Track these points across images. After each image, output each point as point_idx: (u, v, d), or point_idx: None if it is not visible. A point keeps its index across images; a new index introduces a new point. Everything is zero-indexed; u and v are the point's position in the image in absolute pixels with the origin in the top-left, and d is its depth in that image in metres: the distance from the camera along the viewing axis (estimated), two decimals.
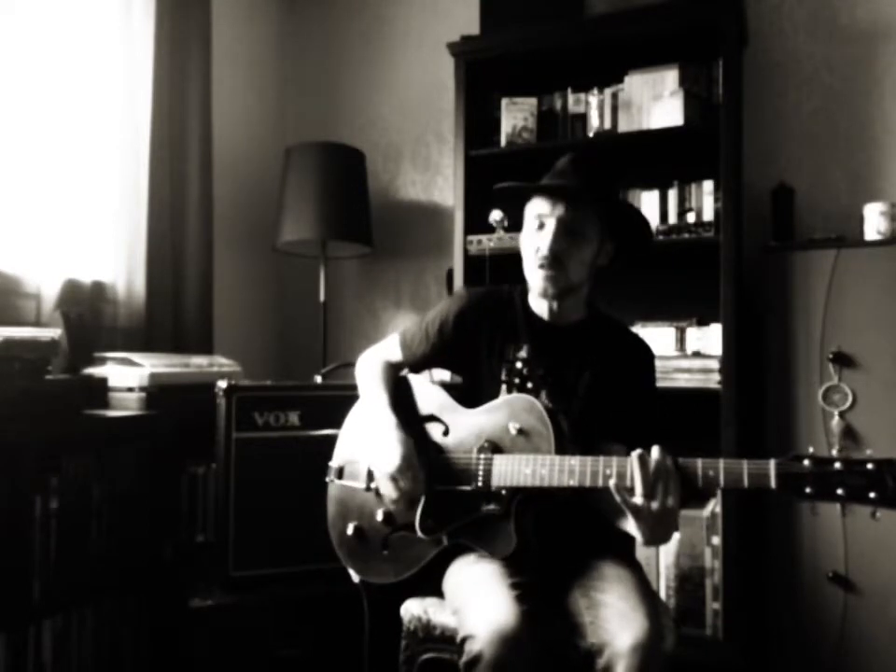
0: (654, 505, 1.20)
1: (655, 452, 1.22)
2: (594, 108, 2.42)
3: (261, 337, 3.02)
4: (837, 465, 1.10)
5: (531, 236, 1.48)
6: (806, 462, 1.12)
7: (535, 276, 1.48)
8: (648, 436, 1.46)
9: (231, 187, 2.78)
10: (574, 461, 1.30)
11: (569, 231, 1.44)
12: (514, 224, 1.94)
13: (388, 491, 1.46)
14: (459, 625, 1.29)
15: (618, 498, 1.22)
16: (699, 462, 1.21)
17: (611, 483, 1.23)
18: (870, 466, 1.08)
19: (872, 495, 1.07)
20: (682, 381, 2.15)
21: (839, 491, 1.09)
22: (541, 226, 1.46)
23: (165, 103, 2.35)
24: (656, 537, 1.27)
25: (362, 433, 1.59)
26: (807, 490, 1.11)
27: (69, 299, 2.04)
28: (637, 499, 1.21)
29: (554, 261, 1.44)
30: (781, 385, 2.05)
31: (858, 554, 1.94)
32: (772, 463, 1.14)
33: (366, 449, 1.54)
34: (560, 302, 1.50)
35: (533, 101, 2.48)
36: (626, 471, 1.25)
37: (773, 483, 1.14)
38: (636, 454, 1.22)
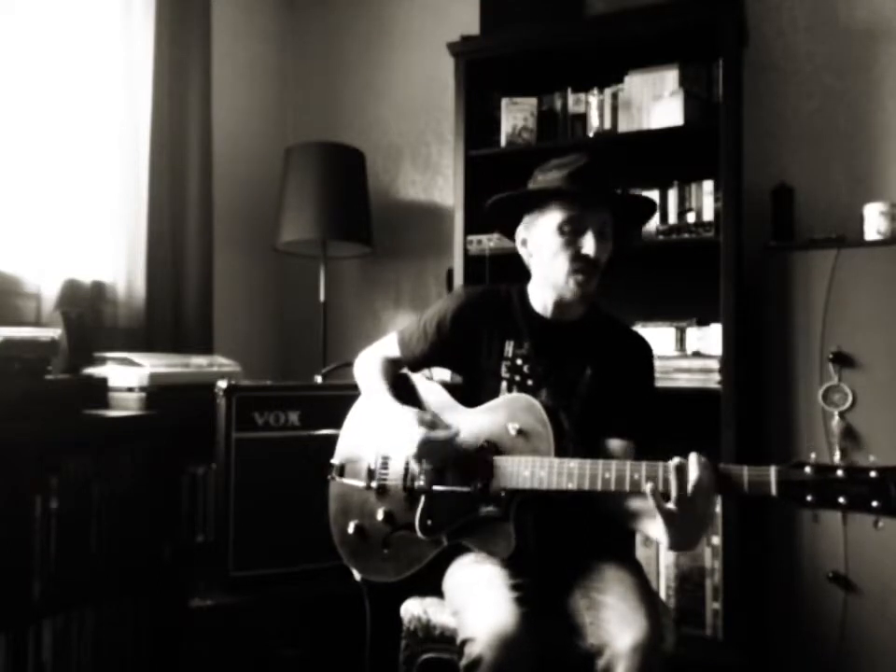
0: (689, 513, 1.16)
1: (693, 459, 1.17)
2: (594, 108, 2.42)
3: (261, 337, 3.02)
4: (839, 472, 1.07)
5: (563, 241, 1.44)
6: (808, 469, 1.09)
7: (569, 281, 1.44)
8: (649, 433, 1.47)
9: (231, 187, 2.78)
10: (573, 464, 1.30)
11: (604, 235, 1.44)
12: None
13: (422, 466, 1.44)
14: (459, 627, 1.29)
15: (652, 502, 1.18)
16: None
17: (648, 486, 1.19)
18: (873, 474, 1.05)
19: (874, 504, 1.05)
20: (682, 381, 2.14)
21: (841, 499, 1.07)
22: (575, 231, 1.43)
23: (165, 103, 2.35)
24: (684, 542, 1.22)
25: (366, 431, 1.60)
26: (808, 498, 1.09)
27: (69, 299, 2.04)
28: (672, 506, 1.17)
29: (595, 267, 1.44)
30: (781, 384, 2.05)
31: (858, 554, 1.94)
32: (772, 470, 1.12)
33: (383, 438, 1.54)
34: (572, 302, 1.49)
35: (533, 101, 2.48)
36: (625, 475, 1.24)
37: (773, 491, 1.11)
38: (673, 463, 1.18)
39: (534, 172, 1.54)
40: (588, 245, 1.42)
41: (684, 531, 1.20)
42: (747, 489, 1.14)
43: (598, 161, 1.48)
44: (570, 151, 1.53)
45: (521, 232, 1.55)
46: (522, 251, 1.56)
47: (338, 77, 3.10)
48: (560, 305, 1.51)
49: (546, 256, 1.48)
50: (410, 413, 1.47)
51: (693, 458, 1.17)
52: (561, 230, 1.44)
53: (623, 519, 1.42)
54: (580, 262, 1.43)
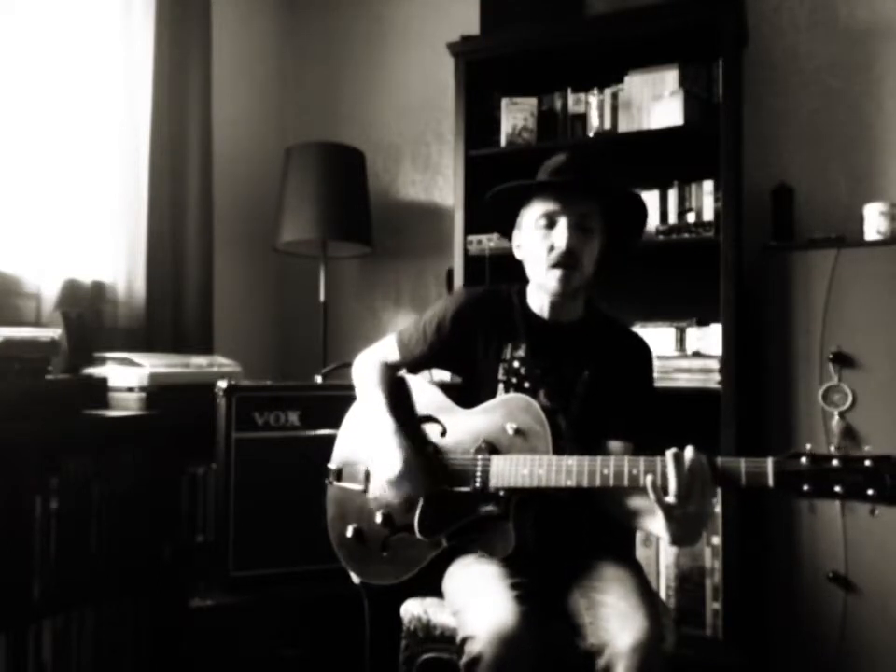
0: (689, 505, 1.16)
1: (690, 451, 1.17)
2: (594, 108, 2.42)
3: (261, 337, 3.02)
4: (835, 462, 1.09)
5: (540, 236, 1.45)
6: (804, 460, 1.11)
7: (549, 277, 1.45)
8: (648, 434, 1.47)
9: (231, 187, 2.78)
10: (571, 461, 1.30)
11: (582, 227, 1.43)
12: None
13: (388, 495, 1.46)
14: (459, 626, 1.29)
15: (652, 496, 1.18)
16: None
17: (648, 479, 1.18)
18: (868, 463, 1.07)
19: (870, 492, 1.06)
20: (682, 381, 2.14)
21: (837, 488, 1.08)
22: (551, 224, 1.44)
23: (165, 103, 2.35)
24: (685, 537, 1.23)
25: (361, 435, 1.59)
26: (805, 488, 1.10)
27: (69, 299, 2.04)
28: (671, 499, 1.17)
29: (571, 258, 1.42)
30: (781, 384, 2.05)
31: (858, 554, 1.94)
32: (769, 461, 1.13)
33: (366, 453, 1.54)
34: (563, 301, 1.49)
35: (533, 101, 2.48)
36: (624, 471, 1.24)
37: (770, 481, 1.12)
38: (671, 451, 1.18)
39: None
40: (559, 236, 1.42)
41: (684, 525, 1.20)
42: (744, 480, 1.15)
43: (578, 156, 1.49)
44: (569, 151, 1.53)
45: (516, 237, 1.57)
46: (517, 254, 1.57)
47: (338, 76, 3.10)
48: (555, 306, 1.51)
49: (530, 254, 1.49)
50: (399, 443, 1.45)
51: (689, 448, 1.18)
52: (537, 224, 1.46)
53: (622, 517, 1.42)
54: (555, 256, 1.43)
